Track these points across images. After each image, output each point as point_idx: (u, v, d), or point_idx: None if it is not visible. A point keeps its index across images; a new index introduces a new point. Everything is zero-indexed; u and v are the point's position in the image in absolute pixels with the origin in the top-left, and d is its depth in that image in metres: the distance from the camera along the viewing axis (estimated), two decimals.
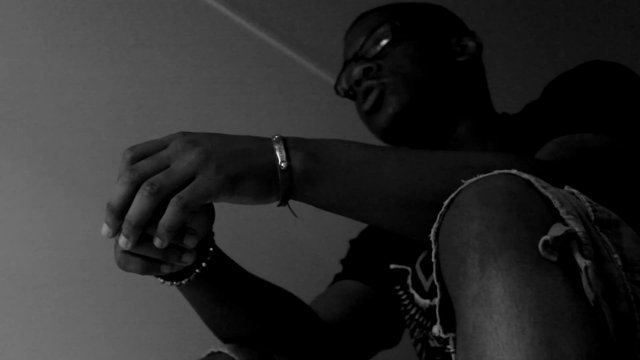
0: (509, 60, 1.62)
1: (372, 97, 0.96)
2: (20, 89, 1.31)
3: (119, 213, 0.61)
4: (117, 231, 0.62)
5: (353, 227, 1.11)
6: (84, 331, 1.22)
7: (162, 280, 0.72)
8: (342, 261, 1.09)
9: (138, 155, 0.63)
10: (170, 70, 1.47)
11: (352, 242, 1.11)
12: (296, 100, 1.60)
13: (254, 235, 1.41)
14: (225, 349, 0.79)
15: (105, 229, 0.62)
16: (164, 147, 0.63)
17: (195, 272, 0.72)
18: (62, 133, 1.32)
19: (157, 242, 0.61)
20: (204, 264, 0.72)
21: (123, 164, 0.63)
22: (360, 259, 1.07)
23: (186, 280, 0.72)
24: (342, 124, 1.13)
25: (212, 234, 0.73)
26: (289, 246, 1.46)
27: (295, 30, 1.63)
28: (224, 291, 0.77)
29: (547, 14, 1.75)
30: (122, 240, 0.61)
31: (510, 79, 1.47)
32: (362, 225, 1.12)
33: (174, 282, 0.72)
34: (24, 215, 1.25)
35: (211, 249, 0.72)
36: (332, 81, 1.06)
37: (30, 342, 1.19)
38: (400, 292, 1.01)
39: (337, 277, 1.06)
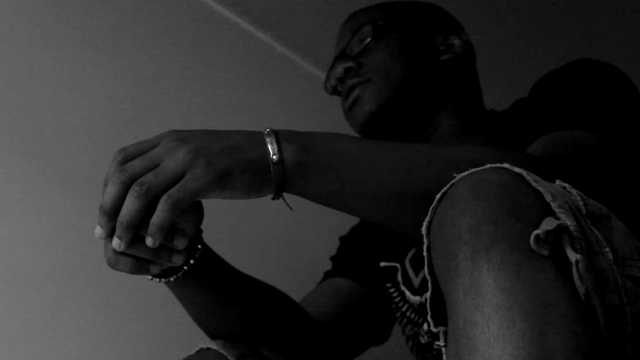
0: (497, 58, 1.62)
1: (353, 95, 0.97)
2: (17, 89, 1.30)
3: (111, 214, 0.61)
4: (110, 233, 0.62)
5: (343, 224, 1.11)
6: (73, 329, 1.22)
7: (150, 277, 0.71)
8: (332, 258, 1.09)
9: (129, 156, 0.63)
10: (165, 68, 1.47)
11: (342, 239, 1.11)
12: (290, 97, 1.60)
13: (244, 233, 1.41)
14: (214, 345, 0.79)
15: (98, 230, 0.63)
16: (154, 147, 0.63)
17: (183, 269, 0.72)
18: (59, 133, 1.31)
19: (148, 241, 0.61)
20: (192, 261, 0.72)
21: (113, 165, 0.63)
22: (349, 257, 1.06)
23: (174, 277, 0.72)
24: (336, 120, 1.13)
25: (201, 231, 0.73)
26: (279, 244, 1.46)
27: (289, 27, 1.63)
28: (212, 288, 0.76)
29: (536, 11, 1.76)
30: (115, 241, 0.62)
31: (498, 76, 1.47)
32: (353, 222, 1.12)
33: (163, 279, 0.72)
34: (18, 214, 1.25)
35: (199, 246, 0.72)
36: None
37: (23, 340, 1.18)
38: (392, 290, 1.01)
39: (327, 275, 1.06)
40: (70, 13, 1.39)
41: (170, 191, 0.60)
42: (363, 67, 0.98)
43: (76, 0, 1.40)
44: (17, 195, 1.25)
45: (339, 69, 0.99)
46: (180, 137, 0.63)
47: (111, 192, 0.61)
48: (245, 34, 1.60)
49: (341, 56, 1.01)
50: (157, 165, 0.61)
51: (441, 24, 1.03)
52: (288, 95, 1.60)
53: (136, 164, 0.61)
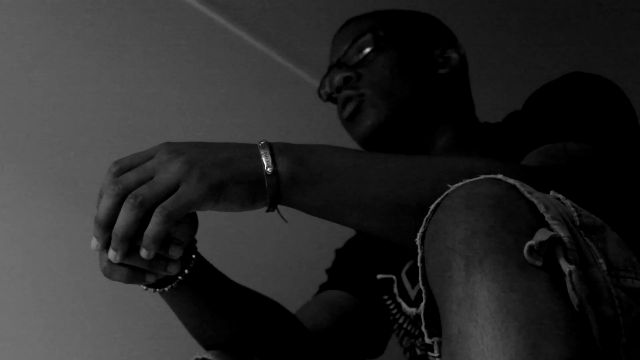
0: (492, 70, 1.63)
1: (349, 108, 0.97)
2: (15, 94, 1.30)
3: (106, 226, 0.62)
4: (105, 244, 0.63)
5: (340, 236, 1.10)
6: (69, 338, 1.21)
7: (144, 287, 0.72)
8: (328, 271, 1.08)
9: (123, 168, 0.63)
10: (162, 77, 1.47)
11: (337, 251, 1.11)
12: (284, 105, 1.60)
13: (239, 244, 1.40)
14: (209, 355, 0.79)
15: (94, 242, 0.63)
16: (149, 159, 0.64)
17: (177, 279, 0.72)
18: (57, 138, 1.31)
19: (143, 252, 0.61)
20: (186, 271, 0.72)
21: (108, 177, 0.63)
22: (345, 269, 1.06)
23: (169, 287, 0.72)
24: (329, 129, 1.14)
25: (195, 241, 0.73)
26: (274, 256, 1.46)
27: (283, 34, 1.64)
28: (206, 298, 0.76)
29: (531, 24, 1.76)
30: (111, 253, 0.62)
31: (492, 89, 1.48)
32: (349, 234, 1.12)
33: (157, 289, 0.72)
34: (15, 220, 1.24)
35: (193, 256, 0.72)
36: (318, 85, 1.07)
37: (17, 344, 1.18)
38: (389, 302, 1.01)
39: (323, 287, 1.05)
40: (68, 17, 1.40)
41: (164, 203, 0.60)
42: (362, 78, 0.97)
43: (74, 5, 1.41)
44: (14, 202, 1.25)
45: (337, 78, 0.98)
46: (175, 149, 0.63)
47: (106, 204, 0.61)
48: (241, 42, 1.60)
49: (338, 64, 1.00)
50: (151, 178, 0.62)
51: (439, 37, 1.03)
52: (283, 104, 1.61)
53: (131, 176, 0.62)
